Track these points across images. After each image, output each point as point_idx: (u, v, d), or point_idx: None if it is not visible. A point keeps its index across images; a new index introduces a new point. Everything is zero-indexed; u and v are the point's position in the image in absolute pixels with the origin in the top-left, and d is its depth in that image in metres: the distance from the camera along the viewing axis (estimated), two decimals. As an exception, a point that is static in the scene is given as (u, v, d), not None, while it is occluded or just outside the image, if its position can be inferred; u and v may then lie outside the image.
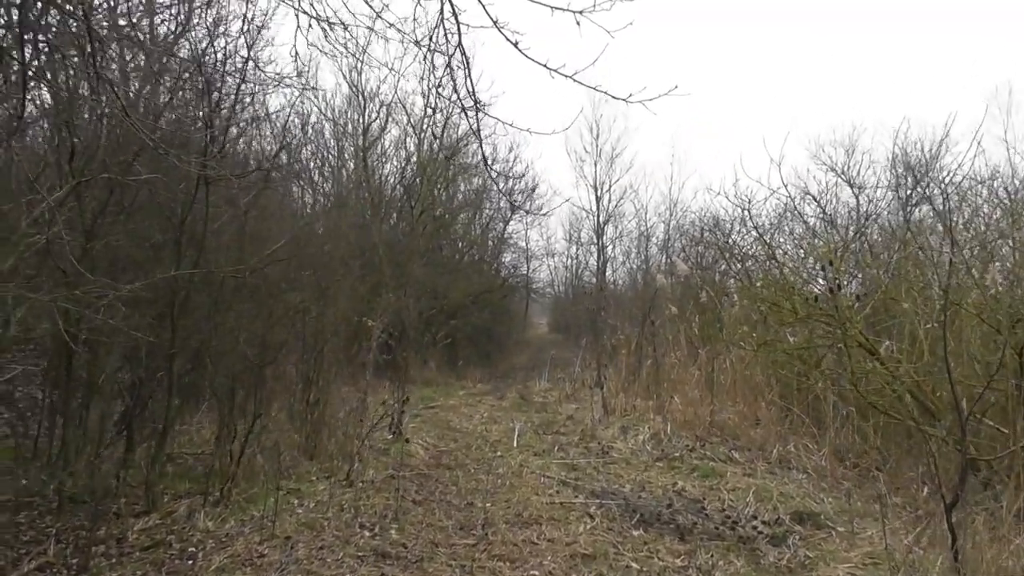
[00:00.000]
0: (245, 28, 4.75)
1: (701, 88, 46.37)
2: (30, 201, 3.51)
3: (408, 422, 8.35)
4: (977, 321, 5.33)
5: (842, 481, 5.67)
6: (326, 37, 3.65)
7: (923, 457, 5.32)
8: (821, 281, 6.89)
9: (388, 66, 19.54)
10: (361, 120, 17.24)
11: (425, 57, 3.28)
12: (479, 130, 3.68)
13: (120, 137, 4.50)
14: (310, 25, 3.59)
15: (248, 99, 5.62)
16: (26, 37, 3.15)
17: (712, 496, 5.40)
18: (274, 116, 6.32)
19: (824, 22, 49.74)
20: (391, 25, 3.65)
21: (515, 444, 7.46)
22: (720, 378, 8.28)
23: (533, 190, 22.50)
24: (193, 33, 5.29)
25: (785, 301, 6.33)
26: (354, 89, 17.01)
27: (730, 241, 10.76)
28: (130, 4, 4.23)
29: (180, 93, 5.04)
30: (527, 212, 22.47)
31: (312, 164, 17.63)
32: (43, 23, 3.34)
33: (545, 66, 3.05)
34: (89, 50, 2.97)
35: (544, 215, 26.17)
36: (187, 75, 4.92)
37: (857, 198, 14.14)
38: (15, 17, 3.30)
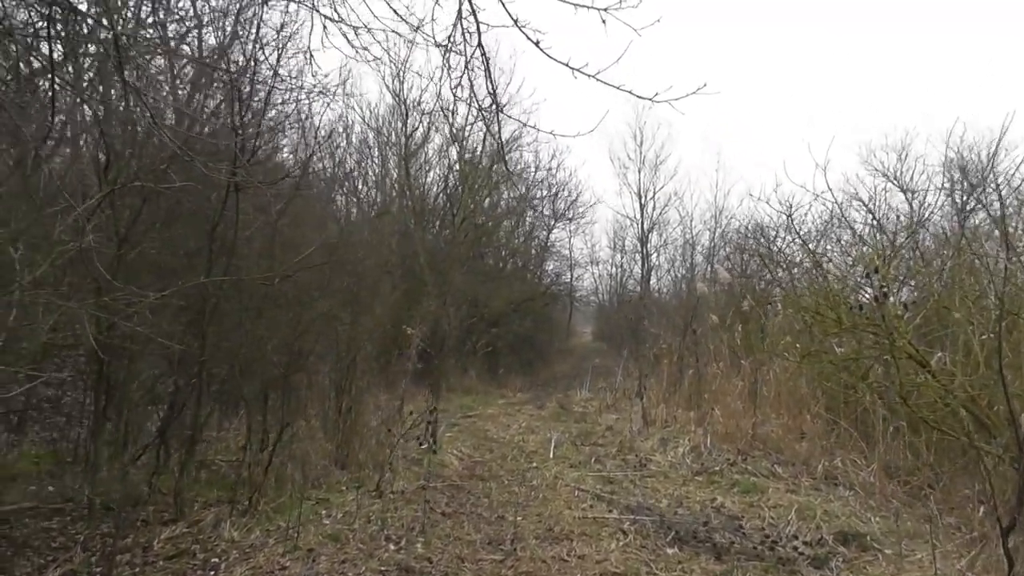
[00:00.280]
0: (274, 36, 4.75)
1: (743, 91, 45.80)
2: (64, 209, 3.53)
3: (444, 431, 8.30)
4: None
5: (891, 499, 5.41)
6: (349, 42, 3.61)
7: (978, 475, 5.05)
8: (869, 289, 6.63)
9: (418, 73, 19.68)
10: (403, 128, 17.34)
11: (444, 57, 3.20)
12: (500, 131, 3.60)
13: (157, 146, 4.54)
14: (324, 26, 3.55)
15: (279, 106, 5.64)
16: (55, 45, 3.16)
17: (752, 513, 5.20)
18: (304, 122, 6.30)
19: (878, 21, 48.49)
20: (417, 29, 3.59)
21: (551, 455, 7.34)
22: (763, 389, 8.02)
23: (574, 201, 22.41)
24: (221, 40, 5.32)
25: (829, 311, 6.09)
26: (396, 98, 17.12)
27: (773, 248, 10.49)
28: (158, 13, 4.24)
29: (209, 100, 5.07)
30: (555, 218, 22.35)
31: (356, 172, 17.82)
32: (70, 32, 3.36)
33: (567, 65, 2.95)
34: (115, 58, 2.98)
35: (588, 223, 26.05)
36: (216, 83, 4.94)
37: (910, 203, 13.69)
38: (42, 25, 3.32)
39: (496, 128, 3.55)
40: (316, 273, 5.54)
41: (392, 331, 10.63)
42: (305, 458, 5.41)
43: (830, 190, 10.30)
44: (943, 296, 6.16)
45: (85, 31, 3.65)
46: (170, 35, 5.27)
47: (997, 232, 8.20)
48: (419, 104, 16.98)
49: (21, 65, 3.92)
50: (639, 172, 27.12)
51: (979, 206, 11.84)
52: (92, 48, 3.84)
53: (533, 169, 20.26)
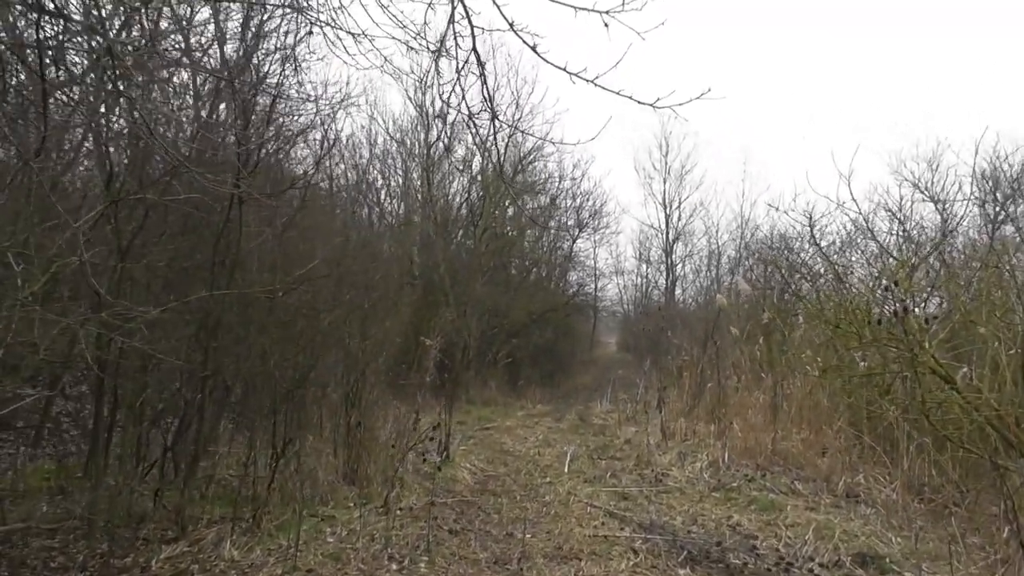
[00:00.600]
0: (279, 46, 4.74)
1: (759, 96, 45.34)
2: (60, 224, 3.54)
3: (458, 444, 8.23)
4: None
5: (914, 518, 5.23)
6: (334, 45, 3.57)
7: (1004, 494, 4.86)
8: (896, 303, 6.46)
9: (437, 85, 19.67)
10: (426, 139, 17.40)
11: (434, 61, 3.15)
12: (496, 139, 3.53)
13: (163, 158, 4.55)
14: (310, 31, 3.53)
15: (289, 117, 5.64)
16: (47, 54, 3.16)
17: (768, 532, 5.05)
18: (316, 134, 6.31)
19: (875, 20, 47.98)
20: (417, 35, 3.54)
21: (566, 469, 7.23)
22: (784, 404, 7.85)
23: (598, 211, 22.30)
24: (223, 48, 5.33)
25: (848, 325, 5.93)
26: (419, 109, 17.19)
27: (796, 260, 10.31)
28: (150, 23, 4.24)
29: (208, 109, 5.08)
30: (579, 228, 22.25)
31: (380, 183, 17.94)
32: (60, 40, 3.36)
33: (564, 69, 2.89)
34: (108, 67, 2.97)
35: (613, 233, 25.91)
36: (217, 91, 4.94)
37: (942, 215, 13.42)
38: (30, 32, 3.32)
39: (491, 136, 3.46)
40: (325, 285, 5.52)
41: (410, 343, 10.62)
42: (312, 474, 5.35)
43: (854, 200, 10.08)
44: (971, 309, 5.97)
45: (77, 40, 3.65)
46: (169, 45, 5.26)
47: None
48: (442, 115, 17.03)
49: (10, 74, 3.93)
50: (664, 182, 27.11)
51: (1009, 218, 11.59)
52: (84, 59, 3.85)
53: (557, 179, 20.24)
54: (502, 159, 17.63)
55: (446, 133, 17.17)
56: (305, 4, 3.77)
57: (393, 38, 3.71)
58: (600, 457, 7.93)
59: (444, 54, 3.07)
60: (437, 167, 17.63)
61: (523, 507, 5.75)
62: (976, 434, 5.08)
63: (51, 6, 3.19)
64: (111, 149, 4.63)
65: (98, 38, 3.09)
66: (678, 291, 27.06)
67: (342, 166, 16.29)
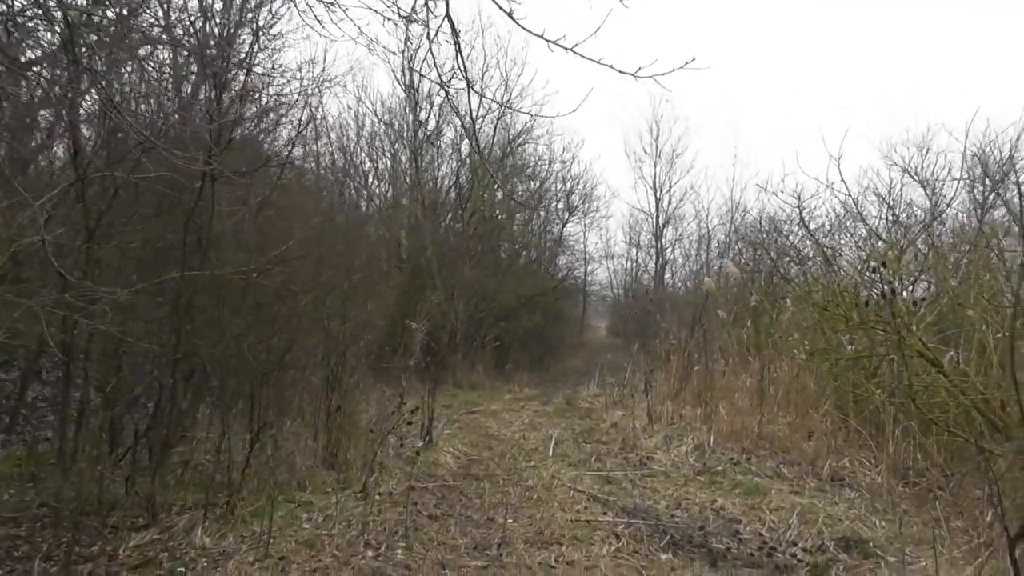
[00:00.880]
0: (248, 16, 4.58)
1: (749, 76, 45.21)
2: (18, 203, 3.40)
3: (443, 428, 8.15)
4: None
5: (898, 502, 5.18)
6: (305, 14, 3.44)
7: (988, 478, 4.82)
8: (881, 285, 6.40)
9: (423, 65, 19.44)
10: (414, 121, 17.19)
11: (406, 29, 3.02)
12: (471, 110, 3.42)
13: (132, 135, 4.40)
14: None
15: (266, 92, 5.49)
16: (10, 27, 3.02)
17: (752, 516, 4.99)
18: (299, 112, 6.15)
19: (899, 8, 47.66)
20: (393, 2, 3.42)
21: (551, 453, 7.16)
22: (771, 387, 7.80)
23: (588, 195, 22.19)
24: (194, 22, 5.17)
25: (836, 307, 5.87)
26: (407, 90, 16.95)
27: (785, 243, 10.25)
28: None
29: (191, 88, 4.93)
30: (569, 212, 22.15)
31: (368, 165, 17.77)
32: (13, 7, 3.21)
33: (542, 37, 2.77)
34: (67, 37, 2.84)
35: (603, 217, 25.82)
36: (187, 65, 4.79)
37: (931, 199, 13.38)
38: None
39: (468, 107, 3.35)
40: (303, 266, 5.40)
41: (397, 326, 10.52)
42: (289, 459, 5.26)
43: (844, 182, 10.04)
44: (959, 292, 5.91)
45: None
46: (147, 20, 5.10)
47: (1016, 228, 7.93)
48: (430, 96, 16.84)
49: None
50: (655, 166, 27.03)
51: (999, 201, 11.55)
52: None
53: (547, 162, 20.10)
54: (491, 141, 17.51)
55: (433, 113, 17.01)
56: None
57: (368, 8, 3.59)
58: (585, 441, 7.87)
59: (417, 20, 2.95)
60: (426, 150, 17.46)
61: (505, 492, 5.67)
62: (962, 418, 5.04)
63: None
64: (80, 126, 4.47)
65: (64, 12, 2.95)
66: (667, 275, 27.04)
67: (329, 148, 16.15)
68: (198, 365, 5.14)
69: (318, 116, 12.25)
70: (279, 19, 5.23)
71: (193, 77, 5.04)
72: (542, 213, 21.21)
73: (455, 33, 2.90)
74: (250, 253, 4.84)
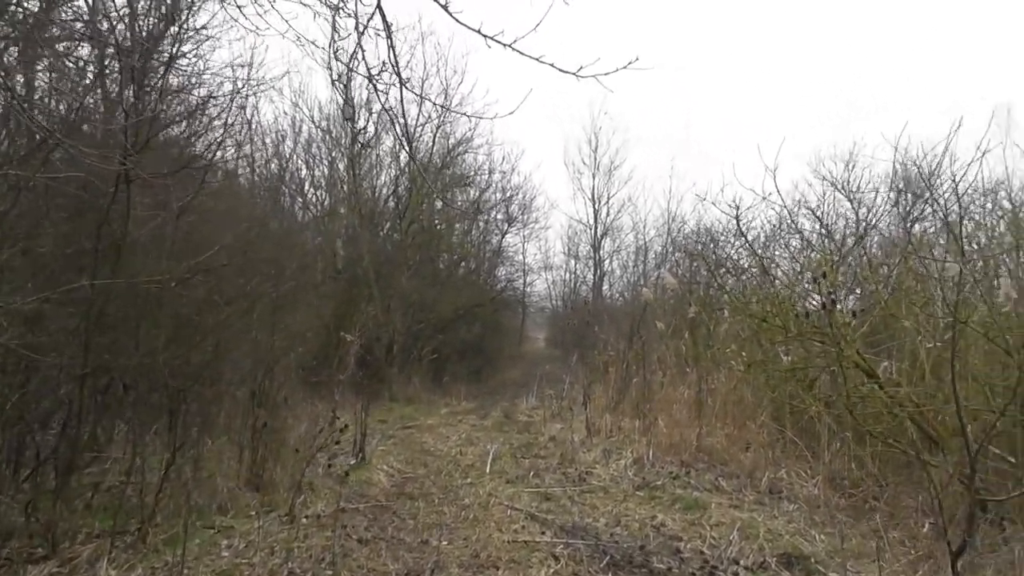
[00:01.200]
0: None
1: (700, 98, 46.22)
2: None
3: (377, 444, 7.88)
4: (983, 341, 4.83)
5: (836, 513, 5.15)
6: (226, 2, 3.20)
7: (923, 488, 4.82)
8: (817, 297, 6.42)
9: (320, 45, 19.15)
10: (352, 129, 16.83)
11: (333, 20, 2.82)
12: (403, 107, 3.23)
13: (40, 129, 4.05)
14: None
15: (195, 91, 5.18)
16: None
17: (693, 533, 4.88)
18: (215, 112, 5.82)
19: (827, 27, 49.21)
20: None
21: (488, 469, 6.96)
22: (709, 399, 7.78)
23: (528, 205, 22.15)
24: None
25: (774, 318, 5.85)
26: (344, 92, 16.53)
27: (722, 254, 10.31)
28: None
29: (98, 82, 4.60)
30: (508, 223, 22.10)
31: (304, 172, 17.33)
32: None
33: (479, 32, 2.62)
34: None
35: (542, 228, 25.83)
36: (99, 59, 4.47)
37: (856, 212, 13.76)
38: None
39: (399, 104, 3.16)
40: (228, 275, 5.09)
41: (332, 338, 10.17)
42: (210, 480, 4.93)
43: (779, 192, 10.16)
44: (890, 303, 5.96)
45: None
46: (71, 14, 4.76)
47: (942, 240, 8.10)
48: (367, 103, 16.51)
49: None
50: (593, 177, 27.19)
51: (925, 214, 11.88)
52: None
53: (487, 172, 19.98)
54: (430, 150, 17.28)
55: (372, 121, 16.68)
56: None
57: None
58: (523, 456, 7.70)
59: (346, 11, 2.75)
60: (364, 158, 17.11)
61: (441, 511, 5.45)
62: (898, 428, 5.05)
63: None
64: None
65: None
66: (605, 286, 27.17)
67: (264, 154, 15.66)
68: (112, 380, 4.78)
69: (252, 120, 11.82)
70: (200, 7, 4.91)
71: (118, 76, 4.69)
72: (481, 224, 21.07)
73: (387, 26, 2.72)
74: (171, 260, 4.51)
